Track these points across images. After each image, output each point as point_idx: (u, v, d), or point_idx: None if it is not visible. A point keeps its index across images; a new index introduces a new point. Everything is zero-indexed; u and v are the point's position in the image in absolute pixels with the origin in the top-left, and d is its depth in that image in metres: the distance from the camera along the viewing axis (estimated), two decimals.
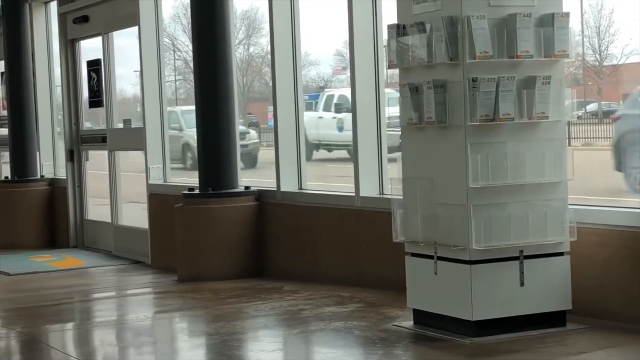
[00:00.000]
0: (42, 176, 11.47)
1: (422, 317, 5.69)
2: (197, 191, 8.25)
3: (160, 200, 9.07)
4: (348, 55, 7.36)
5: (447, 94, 5.36)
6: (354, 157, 7.25)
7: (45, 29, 11.60)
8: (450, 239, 5.39)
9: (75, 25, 10.57)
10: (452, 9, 5.31)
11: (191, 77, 15.44)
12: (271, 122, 14.06)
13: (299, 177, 7.96)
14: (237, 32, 13.35)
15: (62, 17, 10.80)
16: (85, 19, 10.40)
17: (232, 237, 8.02)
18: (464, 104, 5.28)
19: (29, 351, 5.99)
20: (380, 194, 7.19)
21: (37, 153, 11.51)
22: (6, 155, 12.01)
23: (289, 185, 7.94)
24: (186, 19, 13.45)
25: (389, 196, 6.35)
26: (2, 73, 12.17)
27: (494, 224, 5.34)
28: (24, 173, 11.35)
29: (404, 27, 5.61)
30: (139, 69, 9.47)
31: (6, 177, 11.65)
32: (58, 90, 11.54)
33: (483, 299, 5.33)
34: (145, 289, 8.18)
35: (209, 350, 5.72)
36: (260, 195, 8.17)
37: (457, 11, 5.29)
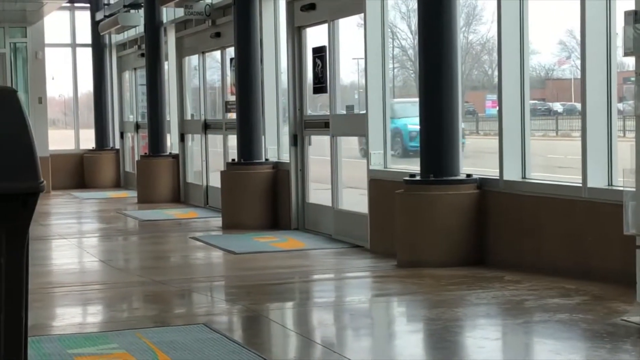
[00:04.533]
0: (266, 159, 11.76)
1: None
2: (418, 177, 8.26)
3: (381, 186, 9.12)
4: (571, 44, 7.14)
5: None
6: (582, 147, 7.04)
7: (273, 16, 11.90)
8: None
9: (302, 12, 10.78)
10: None
11: (409, 64, 15.47)
12: (489, 111, 13.88)
13: (522, 166, 7.81)
14: None
15: (289, 5, 11.04)
16: (312, 6, 10.59)
17: (452, 225, 7.97)
18: None
19: (255, 325, 6.15)
20: (609, 185, 6.95)
21: (263, 137, 11.82)
22: (233, 139, 12.40)
23: (512, 174, 7.81)
24: (405, 6, 13.43)
25: (620, 188, 6.13)
26: (232, 59, 12.57)
27: None
28: (250, 156, 11.66)
29: None
30: (356, 56, 9.53)
31: (233, 160, 12.01)
32: (283, 77, 11.79)
33: None
34: (364, 272, 8.25)
35: (429, 335, 5.69)
36: (482, 184, 8.08)
37: None
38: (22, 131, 2.64)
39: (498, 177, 7.91)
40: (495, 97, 11.08)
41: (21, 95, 2.78)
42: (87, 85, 19.98)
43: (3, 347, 2.67)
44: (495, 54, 8.11)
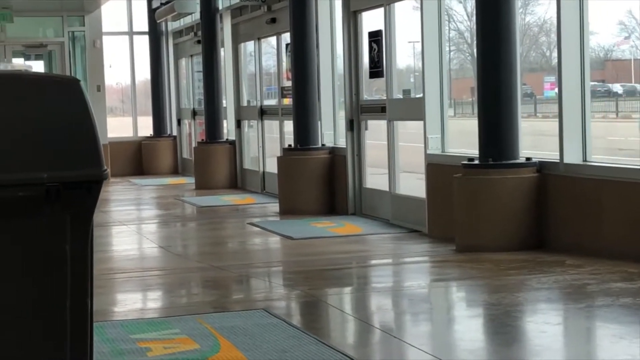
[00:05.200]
0: (323, 145, 11.75)
1: None
2: (477, 161, 8.20)
3: (438, 170, 9.07)
4: (631, 24, 7.02)
5: None
6: None
7: (328, 1, 11.86)
8: None
9: None
10: None
11: (465, 47, 15.34)
12: (547, 93, 13.72)
13: (583, 149, 7.71)
14: None
15: None
16: None
17: (512, 209, 7.90)
18: None
19: (314, 310, 6.16)
20: None
21: (319, 122, 11.81)
22: (289, 124, 12.41)
23: (572, 157, 7.71)
24: None
25: None
26: (287, 45, 12.57)
27: None
28: (307, 141, 11.64)
29: None
30: (412, 39, 9.47)
31: (289, 145, 12.02)
32: (339, 61, 11.76)
33: None
34: (422, 257, 8.21)
35: (489, 320, 5.65)
36: (542, 167, 7.99)
37: None
38: (86, 120, 2.67)
39: (558, 160, 7.82)
40: (553, 78, 10.95)
41: (83, 85, 2.82)
42: (144, 72, 20.16)
43: (69, 333, 2.70)
44: (553, 35, 8.02)
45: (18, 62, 18.99)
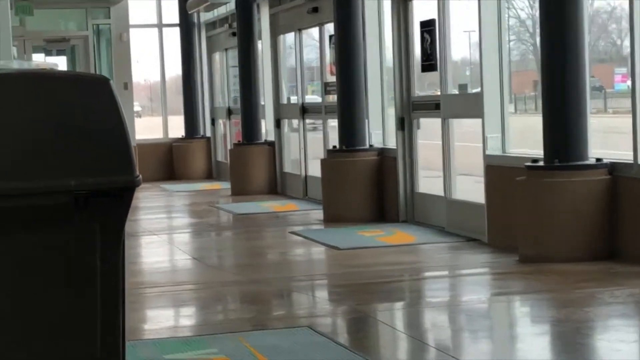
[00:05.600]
0: (371, 145, 11.75)
1: None
2: (541, 163, 8.18)
3: (499, 173, 9.05)
4: None
5: None
6: None
7: None
8: None
9: None
10: None
11: (526, 37, 15.28)
12: (618, 86, 13.64)
13: None
14: None
15: None
16: None
17: (581, 215, 7.87)
18: None
19: (362, 327, 6.18)
20: None
21: (366, 121, 11.81)
22: (334, 123, 12.43)
23: None
24: None
25: None
26: (331, 36, 12.59)
27: None
28: (353, 142, 11.65)
29: None
30: (467, 29, 9.44)
31: (334, 147, 12.03)
32: (388, 54, 11.75)
33: None
34: (482, 269, 8.20)
35: (557, 338, 5.65)
36: (614, 169, 7.95)
37: None
38: (117, 123, 2.71)
39: (632, 161, 7.78)
40: (625, 70, 10.86)
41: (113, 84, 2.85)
42: (174, 68, 20.29)
43: (100, 351, 2.74)
44: (624, 22, 7.97)
45: (38, 59, 19.21)
